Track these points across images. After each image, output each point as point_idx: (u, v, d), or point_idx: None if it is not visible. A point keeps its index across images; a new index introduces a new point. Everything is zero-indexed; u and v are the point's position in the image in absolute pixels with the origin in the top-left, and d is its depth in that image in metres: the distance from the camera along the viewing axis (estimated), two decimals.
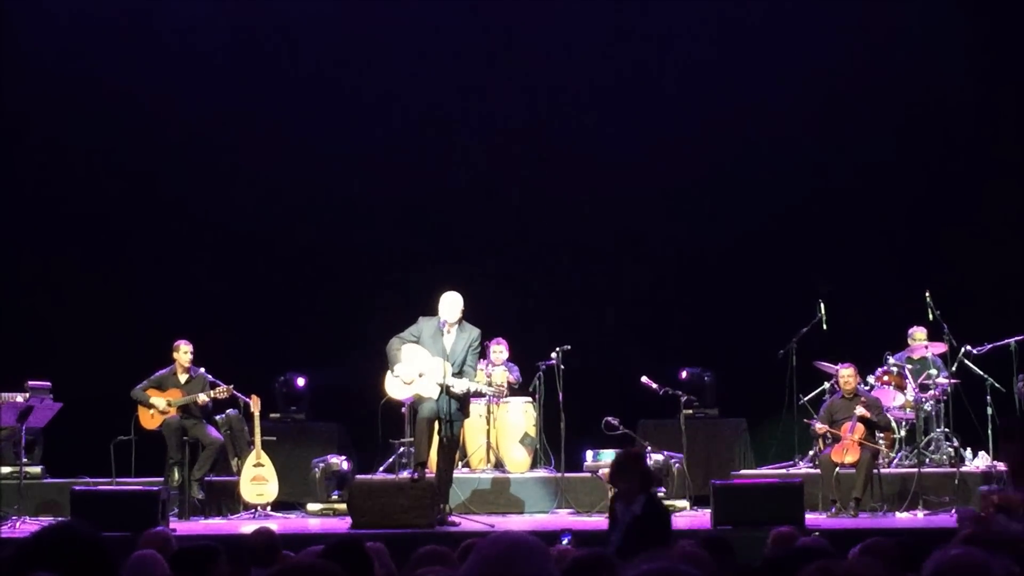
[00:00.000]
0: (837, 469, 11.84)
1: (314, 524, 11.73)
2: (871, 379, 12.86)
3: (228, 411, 12.71)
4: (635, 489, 7.18)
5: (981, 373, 12.69)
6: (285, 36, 15.20)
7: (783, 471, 12.76)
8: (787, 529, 6.93)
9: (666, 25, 15.05)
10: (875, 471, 11.86)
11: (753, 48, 14.94)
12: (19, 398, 12.26)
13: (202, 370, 12.54)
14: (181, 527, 11.03)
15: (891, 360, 13.01)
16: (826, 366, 12.97)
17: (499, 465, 12.81)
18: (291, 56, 15.21)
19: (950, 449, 12.61)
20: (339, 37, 15.09)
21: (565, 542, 7.45)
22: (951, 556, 3.16)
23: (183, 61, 14.93)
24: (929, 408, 12.92)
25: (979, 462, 12.60)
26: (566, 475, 12.36)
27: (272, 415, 13.34)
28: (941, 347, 12.88)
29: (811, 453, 12.78)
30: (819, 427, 12.25)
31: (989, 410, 12.46)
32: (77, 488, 11.19)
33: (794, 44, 14.76)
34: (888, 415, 12.44)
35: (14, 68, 14.74)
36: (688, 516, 11.77)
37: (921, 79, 14.74)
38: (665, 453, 12.23)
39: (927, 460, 12.54)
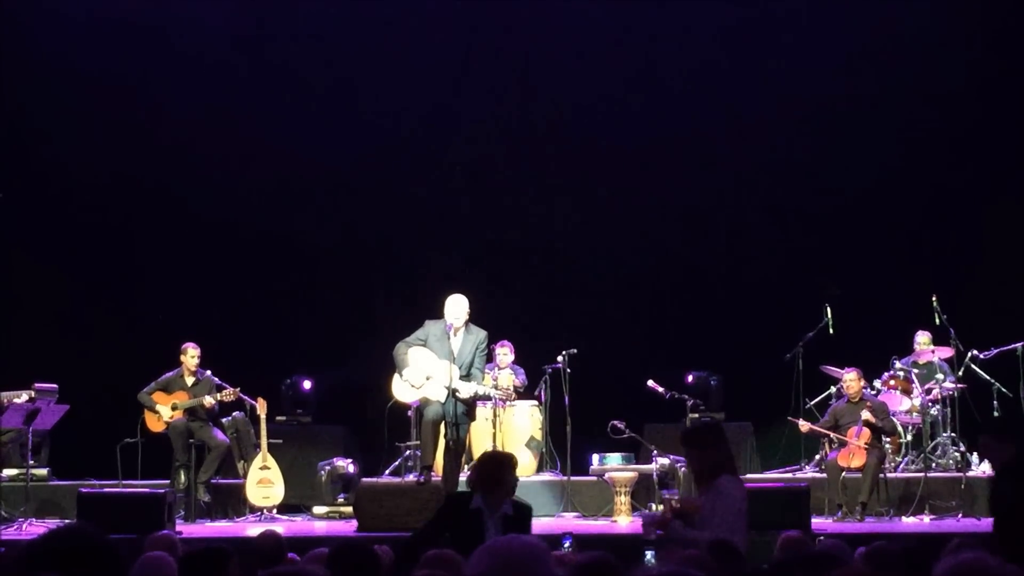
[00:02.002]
0: (843, 473, 11.83)
1: (320, 527, 11.73)
2: (877, 383, 12.85)
3: (234, 414, 12.72)
4: (476, 486, 7.34)
5: (988, 378, 12.67)
6: (291, 40, 15.21)
7: (789, 475, 12.75)
8: (796, 533, 6.91)
9: (674, 26, 15.04)
10: (881, 475, 11.85)
11: (761, 53, 14.94)
12: (24, 396, 12.26)
13: (209, 373, 12.56)
14: (187, 530, 11.04)
15: (897, 364, 12.99)
16: (832, 370, 12.96)
17: None
18: (297, 60, 15.21)
19: (956, 454, 12.59)
20: (345, 41, 15.09)
21: (567, 545, 7.43)
22: (961, 561, 3.15)
23: (190, 64, 14.94)
24: (935, 413, 12.89)
25: (985, 467, 12.58)
26: (572, 479, 12.36)
27: (278, 418, 13.33)
28: (948, 351, 12.87)
29: (817, 457, 12.77)
30: (803, 425, 12.25)
31: (996, 415, 12.44)
32: (83, 490, 11.17)
33: (802, 50, 14.76)
34: (894, 419, 12.43)
35: (24, 70, 14.77)
36: None
37: (926, 83, 14.72)
38: (671, 457, 12.22)
39: (933, 464, 12.54)
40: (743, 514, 6.86)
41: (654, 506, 11.85)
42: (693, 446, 6.94)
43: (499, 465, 7.56)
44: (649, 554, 6.78)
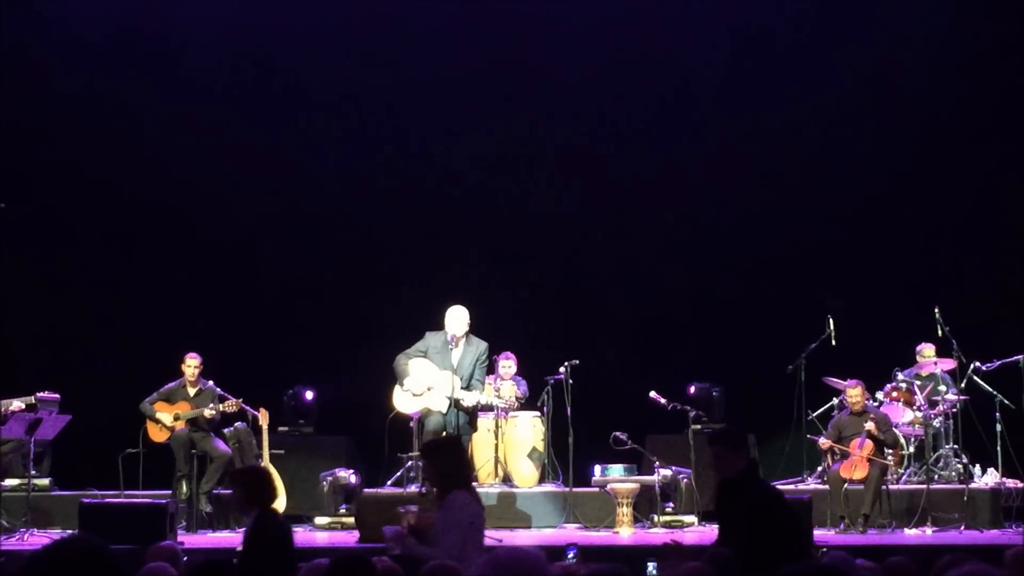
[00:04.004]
0: (846, 485, 11.83)
1: (322, 538, 11.72)
2: (880, 395, 12.84)
3: (236, 424, 12.71)
4: (241, 502, 7.39)
5: (990, 390, 12.66)
6: (294, 53, 15.22)
7: (791, 487, 12.72)
8: None
9: (677, 45, 15.04)
10: (884, 487, 11.84)
11: (763, 71, 14.95)
12: (17, 404, 12.22)
13: (211, 383, 12.55)
14: (189, 540, 11.03)
15: (900, 376, 12.98)
16: (835, 382, 12.96)
17: (507, 479, 12.80)
18: (299, 76, 15.22)
19: (959, 466, 12.58)
20: (349, 52, 15.11)
21: (571, 556, 7.44)
22: (964, 573, 3.16)
23: (193, 76, 14.98)
24: (938, 424, 12.88)
25: (988, 479, 12.58)
26: (574, 490, 12.34)
27: (280, 428, 13.32)
28: (950, 363, 12.86)
29: (819, 469, 12.76)
30: (823, 442, 12.26)
31: (998, 427, 12.43)
32: (85, 501, 11.16)
33: (804, 65, 14.78)
34: (896, 432, 12.43)
35: (27, 80, 14.80)
36: (696, 531, 11.75)
37: (932, 98, 14.73)
38: (673, 468, 12.22)
39: (936, 476, 12.53)
40: (477, 529, 6.83)
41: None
42: (428, 460, 6.88)
43: (261, 478, 7.60)
44: (651, 566, 6.78)
